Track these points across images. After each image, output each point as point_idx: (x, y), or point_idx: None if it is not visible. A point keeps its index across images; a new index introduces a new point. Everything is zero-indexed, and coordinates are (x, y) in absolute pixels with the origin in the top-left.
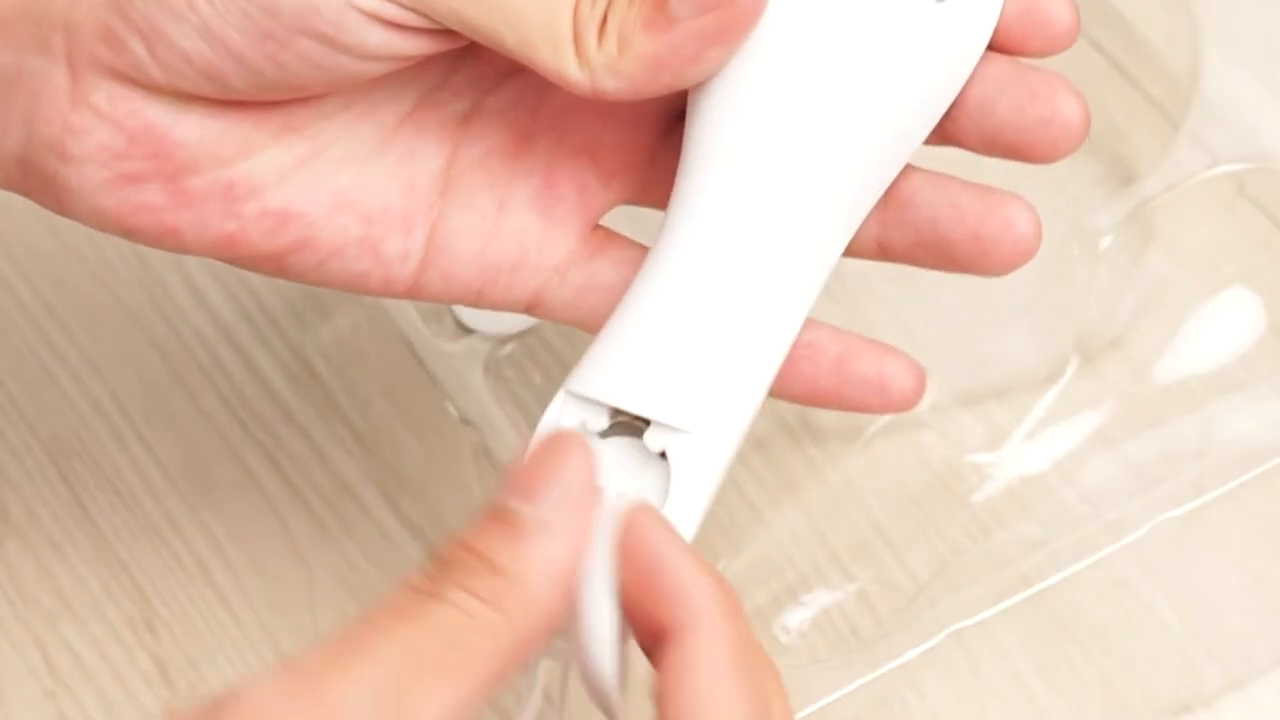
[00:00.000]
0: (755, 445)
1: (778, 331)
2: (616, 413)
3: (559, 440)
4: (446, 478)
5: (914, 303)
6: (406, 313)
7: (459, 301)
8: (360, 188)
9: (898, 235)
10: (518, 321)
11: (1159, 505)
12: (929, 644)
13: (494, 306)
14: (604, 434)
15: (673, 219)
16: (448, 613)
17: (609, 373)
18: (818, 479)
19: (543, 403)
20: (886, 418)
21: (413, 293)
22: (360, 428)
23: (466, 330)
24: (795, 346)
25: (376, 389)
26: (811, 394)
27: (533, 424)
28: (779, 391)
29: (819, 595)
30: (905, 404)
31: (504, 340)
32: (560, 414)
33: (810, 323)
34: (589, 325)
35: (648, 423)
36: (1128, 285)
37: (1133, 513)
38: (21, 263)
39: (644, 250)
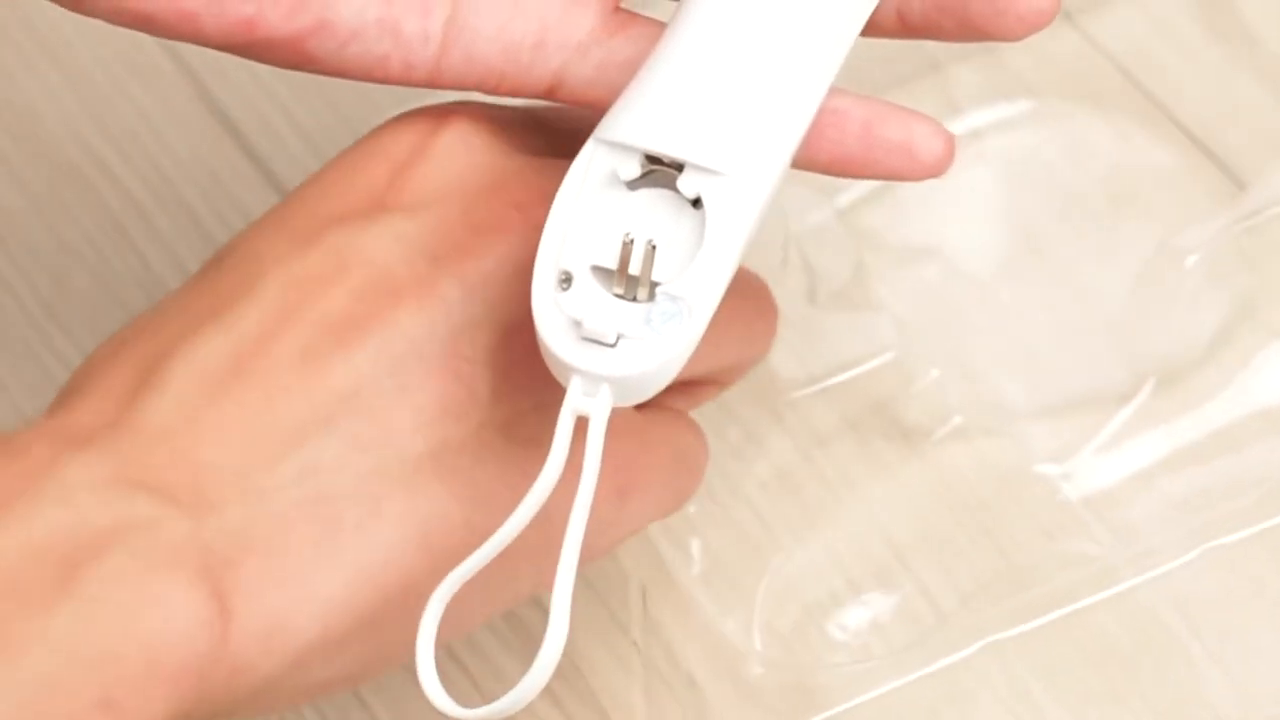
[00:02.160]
0: (818, 442)
1: (807, 82)
2: (648, 160)
3: None
4: None
5: (993, 315)
6: None
7: (481, 87)
8: None
9: (917, 2)
10: None
11: (1223, 525)
12: (984, 642)
13: (515, 92)
14: (634, 184)
15: None
16: None
17: (642, 118)
18: (887, 476)
19: None
20: (955, 421)
21: (434, 78)
22: None
23: None
24: (821, 114)
25: None
26: (840, 161)
27: None
28: (807, 161)
29: (877, 595)
30: (935, 169)
31: None
32: (590, 162)
33: (836, 91)
34: (610, 104)
35: (680, 170)
36: (1212, 306)
37: (1196, 529)
38: (21, 263)
39: (664, 27)
